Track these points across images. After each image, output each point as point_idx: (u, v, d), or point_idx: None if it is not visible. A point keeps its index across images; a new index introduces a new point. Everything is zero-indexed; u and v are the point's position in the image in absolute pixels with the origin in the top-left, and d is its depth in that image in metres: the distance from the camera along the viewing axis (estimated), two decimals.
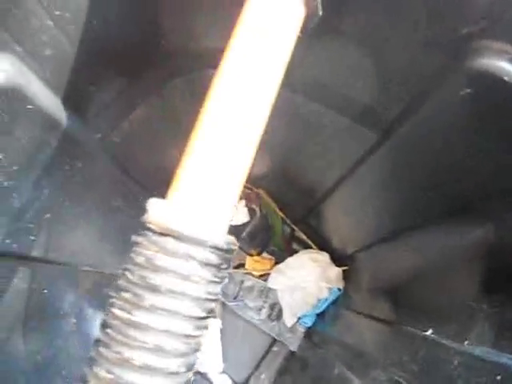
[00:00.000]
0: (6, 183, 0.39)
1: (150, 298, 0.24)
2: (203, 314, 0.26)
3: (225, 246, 0.27)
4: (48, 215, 0.48)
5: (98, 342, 0.24)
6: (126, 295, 0.24)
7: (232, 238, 0.28)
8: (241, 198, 1.02)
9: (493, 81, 0.33)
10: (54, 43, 0.35)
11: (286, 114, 0.60)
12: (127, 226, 0.70)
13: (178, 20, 0.45)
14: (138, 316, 0.24)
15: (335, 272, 1.02)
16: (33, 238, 0.48)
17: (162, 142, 0.61)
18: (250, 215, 1.00)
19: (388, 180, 0.60)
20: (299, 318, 1.04)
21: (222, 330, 1.03)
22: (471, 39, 0.34)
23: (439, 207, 0.56)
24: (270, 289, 1.05)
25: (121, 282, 0.25)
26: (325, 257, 1.03)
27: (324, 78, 0.49)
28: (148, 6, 0.42)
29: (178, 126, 0.64)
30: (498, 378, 0.38)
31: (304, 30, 0.29)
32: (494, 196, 0.47)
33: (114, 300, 0.24)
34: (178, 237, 0.26)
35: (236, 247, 0.28)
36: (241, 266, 1.09)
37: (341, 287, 1.01)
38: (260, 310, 1.05)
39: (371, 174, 0.61)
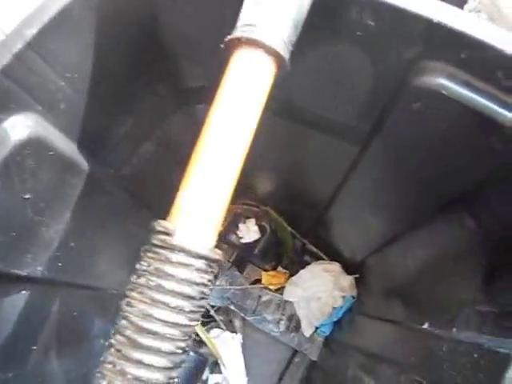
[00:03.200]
0: (35, 218, 0.46)
1: (156, 297, 0.31)
2: (196, 309, 0.32)
3: (213, 256, 0.34)
4: (72, 244, 0.55)
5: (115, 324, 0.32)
6: (139, 296, 0.32)
7: (218, 251, 0.35)
8: (250, 217, 1.08)
9: (434, 94, 0.39)
10: (67, 98, 0.43)
11: (277, 138, 0.67)
12: None
13: (171, 66, 0.52)
14: (147, 310, 0.31)
15: (348, 280, 1.06)
16: (60, 264, 0.55)
17: (166, 170, 0.68)
18: (260, 232, 1.06)
19: (377, 186, 0.65)
20: (317, 328, 1.08)
21: (243, 345, 1.07)
22: (414, 62, 0.40)
23: (430, 205, 0.61)
24: (286, 301, 1.10)
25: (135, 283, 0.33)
26: (336, 266, 1.08)
27: (305, 104, 0.55)
28: (144, 55, 0.49)
29: (179, 154, 0.71)
30: (475, 355, 0.42)
31: (277, 79, 0.37)
32: (471, 191, 0.52)
33: (129, 297, 0.33)
34: (179, 250, 0.32)
35: (221, 258, 0.35)
36: (257, 281, 1.14)
37: (354, 295, 1.05)
38: (278, 322, 1.09)
39: (361, 181, 0.66)
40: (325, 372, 1.03)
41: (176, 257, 0.32)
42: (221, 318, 1.12)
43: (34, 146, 0.40)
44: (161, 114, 0.57)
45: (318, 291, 1.06)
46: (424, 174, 0.53)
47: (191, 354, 1.00)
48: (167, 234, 0.32)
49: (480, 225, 0.53)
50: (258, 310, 1.10)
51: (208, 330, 1.10)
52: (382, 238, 0.83)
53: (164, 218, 0.36)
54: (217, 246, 0.36)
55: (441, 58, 0.38)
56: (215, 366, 1.08)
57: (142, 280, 0.31)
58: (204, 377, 1.07)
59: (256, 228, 1.06)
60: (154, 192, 0.69)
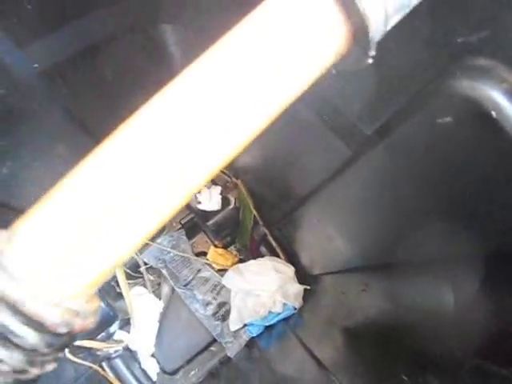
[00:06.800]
0: None
1: None
2: None
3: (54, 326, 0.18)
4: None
5: None
6: None
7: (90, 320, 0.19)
8: (218, 184, 0.95)
9: (478, 113, 0.26)
10: None
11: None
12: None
13: None
14: None
15: (296, 289, 0.95)
16: None
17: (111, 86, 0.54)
18: (222, 205, 0.93)
19: (353, 203, 0.52)
20: (245, 325, 0.97)
21: (162, 314, 0.97)
22: (465, 53, 0.26)
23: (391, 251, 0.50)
24: (224, 286, 0.99)
25: None
26: (290, 270, 0.96)
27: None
28: None
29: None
30: None
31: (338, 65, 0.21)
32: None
33: None
34: None
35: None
36: (202, 254, 1.02)
37: (297, 307, 0.94)
38: (207, 304, 0.98)
39: (341, 190, 0.53)
40: (235, 373, 0.93)
41: None
42: (151, 278, 1.01)
43: None
44: None
45: (260, 288, 0.95)
46: (411, 206, 0.41)
47: (102, 305, 0.89)
48: None
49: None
50: (192, 284, 0.99)
51: (132, 286, 0.99)
52: (345, 262, 0.71)
53: None
54: None
55: (507, 61, 0.24)
56: (126, 324, 0.97)
57: None
58: (111, 330, 0.97)
59: (219, 198, 0.93)
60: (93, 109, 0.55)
